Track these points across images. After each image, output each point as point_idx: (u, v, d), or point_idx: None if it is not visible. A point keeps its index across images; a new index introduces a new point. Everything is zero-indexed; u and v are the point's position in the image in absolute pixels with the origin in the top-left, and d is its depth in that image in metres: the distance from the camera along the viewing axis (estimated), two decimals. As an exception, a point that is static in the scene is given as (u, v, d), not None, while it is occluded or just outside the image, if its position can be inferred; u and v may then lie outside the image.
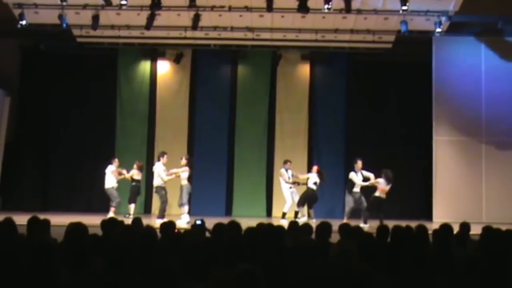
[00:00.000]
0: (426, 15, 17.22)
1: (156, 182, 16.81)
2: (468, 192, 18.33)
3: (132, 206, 17.67)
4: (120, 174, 17.74)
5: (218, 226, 7.60)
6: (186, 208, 16.55)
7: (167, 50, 20.34)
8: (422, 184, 19.40)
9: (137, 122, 20.29)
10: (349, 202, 16.84)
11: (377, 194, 16.63)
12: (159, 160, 17.01)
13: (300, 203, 17.32)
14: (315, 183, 17.35)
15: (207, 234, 8.31)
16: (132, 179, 17.84)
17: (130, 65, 20.53)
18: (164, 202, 16.68)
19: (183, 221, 15.58)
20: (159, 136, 20.17)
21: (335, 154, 19.71)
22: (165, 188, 16.76)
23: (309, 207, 17.42)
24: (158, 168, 16.77)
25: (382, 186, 16.55)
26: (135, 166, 17.88)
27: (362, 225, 14.95)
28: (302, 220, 15.42)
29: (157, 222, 14.47)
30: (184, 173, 16.72)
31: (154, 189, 17.12)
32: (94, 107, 20.24)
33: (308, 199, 17.35)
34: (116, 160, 17.93)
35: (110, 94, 20.26)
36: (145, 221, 9.09)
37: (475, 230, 8.79)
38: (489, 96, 18.61)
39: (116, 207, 17.33)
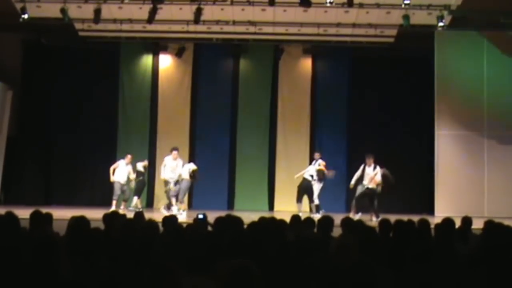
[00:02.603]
0: (428, 9, 17.20)
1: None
2: (470, 187, 18.33)
3: (135, 199, 17.82)
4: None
5: (219, 220, 7.61)
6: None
7: (169, 44, 20.31)
8: (424, 178, 19.40)
9: (139, 115, 20.27)
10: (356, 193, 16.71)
11: (371, 186, 16.57)
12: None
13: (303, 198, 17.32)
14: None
15: (209, 228, 8.31)
16: (137, 173, 18.03)
17: (132, 59, 20.51)
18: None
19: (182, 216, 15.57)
20: (161, 130, 20.17)
21: (337, 148, 19.68)
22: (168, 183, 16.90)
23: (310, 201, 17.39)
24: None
25: (376, 178, 16.54)
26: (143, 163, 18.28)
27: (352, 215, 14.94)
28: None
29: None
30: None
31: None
32: (96, 101, 20.23)
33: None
34: (129, 156, 18.02)
35: (112, 88, 20.26)
36: (148, 215, 9.10)
37: (477, 224, 8.79)
38: (491, 90, 18.60)
39: (116, 200, 17.49)
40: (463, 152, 18.63)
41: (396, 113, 19.97)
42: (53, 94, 20.28)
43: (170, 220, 7.92)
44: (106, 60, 20.47)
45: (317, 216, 12.04)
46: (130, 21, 18.45)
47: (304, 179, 17.34)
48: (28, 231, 7.28)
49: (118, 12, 17.97)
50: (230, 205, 19.76)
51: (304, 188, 17.23)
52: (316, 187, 17.16)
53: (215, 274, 4.49)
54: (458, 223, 8.29)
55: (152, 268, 4.37)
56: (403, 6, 16.52)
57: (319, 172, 17.26)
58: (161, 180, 17.71)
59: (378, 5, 17.19)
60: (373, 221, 15.12)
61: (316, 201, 17.07)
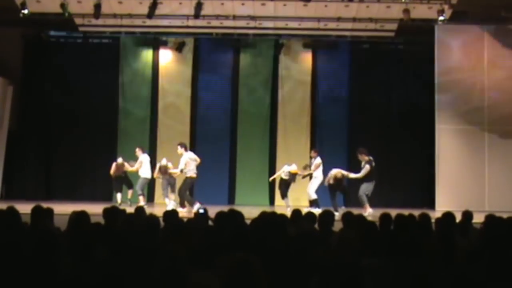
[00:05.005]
0: (429, 3, 17.19)
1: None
2: (471, 181, 18.32)
3: (118, 195, 17.75)
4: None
5: (219, 214, 7.62)
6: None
7: (169, 39, 20.29)
8: (425, 172, 19.41)
9: (140, 111, 20.27)
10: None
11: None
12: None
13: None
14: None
15: (210, 222, 8.32)
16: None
17: (132, 53, 20.50)
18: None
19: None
20: (161, 125, 20.17)
21: (337, 142, 19.69)
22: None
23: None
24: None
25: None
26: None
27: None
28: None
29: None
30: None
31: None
32: (96, 96, 20.23)
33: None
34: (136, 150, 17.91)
35: (112, 83, 20.25)
36: (148, 210, 9.11)
37: (478, 218, 8.80)
38: (492, 85, 18.57)
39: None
40: (463, 146, 18.62)
41: (396, 107, 19.99)
42: (54, 88, 20.27)
43: (171, 215, 7.92)
44: (106, 55, 20.47)
45: (316, 211, 12.02)
46: (130, 16, 18.46)
47: (282, 179, 17.46)
48: (29, 226, 7.29)
49: (118, 7, 17.97)
50: (231, 199, 19.77)
51: (284, 186, 17.39)
52: (316, 181, 17.13)
53: (216, 268, 4.50)
54: (458, 217, 8.30)
55: (158, 262, 4.38)
56: (403, 0, 16.50)
57: (291, 174, 17.35)
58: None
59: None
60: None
61: (314, 196, 17.06)
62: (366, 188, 16.16)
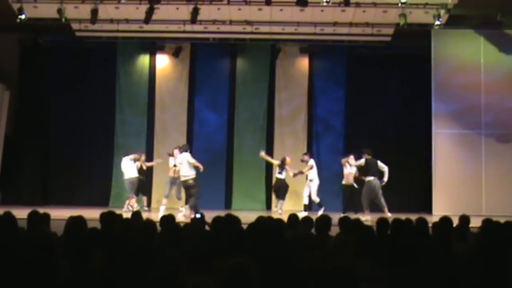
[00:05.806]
0: (425, 8, 17.20)
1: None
2: (468, 185, 18.33)
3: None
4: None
5: (216, 219, 7.62)
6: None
7: (166, 44, 20.29)
8: (422, 177, 19.41)
9: (137, 115, 20.25)
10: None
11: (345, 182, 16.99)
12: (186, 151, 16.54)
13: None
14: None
15: (207, 227, 8.31)
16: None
17: (129, 59, 20.49)
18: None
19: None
20: (158, 129, 20.17)
21: (334, 147, 19.72)
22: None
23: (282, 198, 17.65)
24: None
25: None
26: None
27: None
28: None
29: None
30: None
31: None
32: (93, 101, 20.23)
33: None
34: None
35: (109, 88, 20.24)
36: (145, 215, 9.09)
37: (475, 223, 8.80)
38: (488, 89, 18.59)
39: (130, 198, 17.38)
40: (460, 151, 18.64)
41: (393, 112, 20.00)
42: (50, 93, 20.24)
43: (168, 220, 7.91)
44: (103, 60, 20.45)
45: (320, 212, 12.12)
46: (127, 21, 18.43)
47: (278, 179, 17.70)
48: (25, 231, 7.28)
49: (115, 12, 17.95)
50: (228, 204, 19.74)
51: (277, 188, 17.67)
52: (313, 185, 17.24)
53: (213, 272, 4.49)
54: (456, 222, 8.29)
55: (156, 267, 4.37)
56: (400, 5, 16.51)
57: (284, 160, 17.67)
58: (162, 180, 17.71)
59: (374, 4, 17.19)
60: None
61: (317, 199, 17.18)
62: (365, 194, 16.41)
